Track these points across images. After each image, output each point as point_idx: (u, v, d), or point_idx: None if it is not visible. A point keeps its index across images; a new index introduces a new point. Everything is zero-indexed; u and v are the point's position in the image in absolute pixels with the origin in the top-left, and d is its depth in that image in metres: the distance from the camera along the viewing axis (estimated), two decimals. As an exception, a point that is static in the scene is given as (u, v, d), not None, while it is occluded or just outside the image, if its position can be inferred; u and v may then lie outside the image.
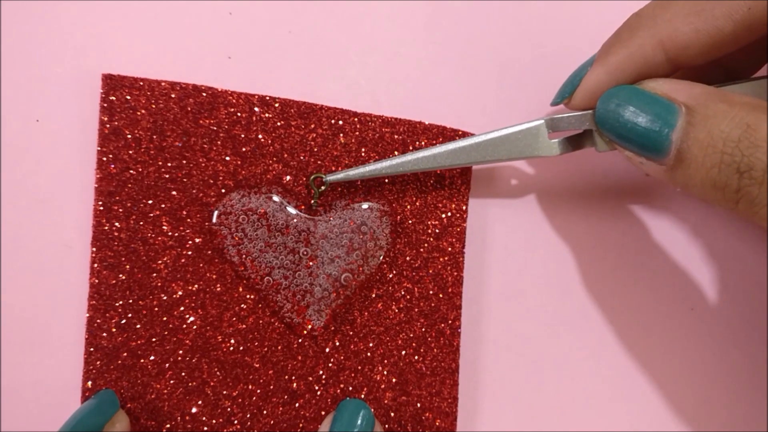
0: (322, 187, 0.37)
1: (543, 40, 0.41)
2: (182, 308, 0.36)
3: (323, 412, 0.37)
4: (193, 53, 0.38)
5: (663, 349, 0.42)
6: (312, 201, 0.37)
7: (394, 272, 0.38)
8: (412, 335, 0.38)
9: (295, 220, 0.36)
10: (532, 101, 0.41)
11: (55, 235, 0.36)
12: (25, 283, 0.36)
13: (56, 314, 0.36)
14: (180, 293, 0.36)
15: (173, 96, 0.36)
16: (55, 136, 0.36)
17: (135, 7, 0.37)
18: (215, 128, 0.36)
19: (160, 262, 0.36)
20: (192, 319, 0.36)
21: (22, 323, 0.36)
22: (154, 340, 0.36)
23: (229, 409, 0.36)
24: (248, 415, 0.37)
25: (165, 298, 0.36)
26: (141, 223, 0.36)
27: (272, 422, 0.37)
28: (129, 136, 0.36)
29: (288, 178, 0.37)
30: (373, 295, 0.38)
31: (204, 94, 0.36)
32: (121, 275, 0.36)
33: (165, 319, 0.36)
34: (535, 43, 0.41)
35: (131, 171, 0.36)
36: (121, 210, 0.36)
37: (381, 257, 0.37)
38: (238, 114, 0.37)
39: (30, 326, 0.36)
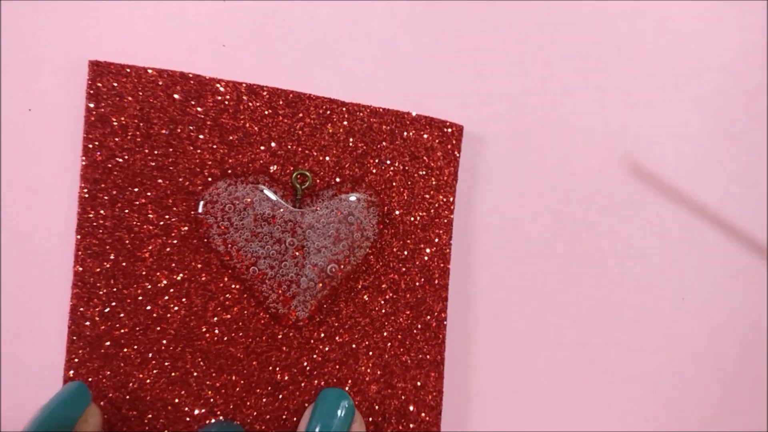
0: (306, 183, 0.37)
1: (535, 32, 0.41)
2: (167, 297, 0.36)
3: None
4: (188, 42, 0.38)
5: (654, 339, 0.43)
6: (297, 196, 0.37)
7: (381, 263, 0.38)
8: (397, 327, 0.38)
9: (281, 210, 0.36)
10: (523, 91, 0.41)
11: (44, 223, 0.36)
12: (11, 271, 0.36)
13: (41, 302, 0.36)
14: (165, 282, 0.36)
15: (160, 83, 0.36)
16: (46, 125, 0.36)
17: None
18: (202, 116, 0.36)
19: (145, 250, 0.36)
20: (176, 308, 0.36)
21: (6, 311, 0.36)
22: (137, 329, 0.36)
23: (212, 400, 0.36)
24: (231, 406, 0.36)
25: (149, 287, 0.36)
26: (126, 211, 0.36)
27: (255, 413, 0.37)
28: (115, 124, 0.35)
29: (275, 167, 0.37)
30: (359, 287, 0.38)
31: (191, 82, 0.36)
32: (105, 263, 0.35)
33: (149, 308, 0.36)
34: (528, 36, 0.41)
35: (117, 158, 0.36)
36: (106, 198, 0.35)
37: (367, 248, 0.37)
38: (226, 102, 0.36)
39: (15, 314, 0.36)
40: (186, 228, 0.36)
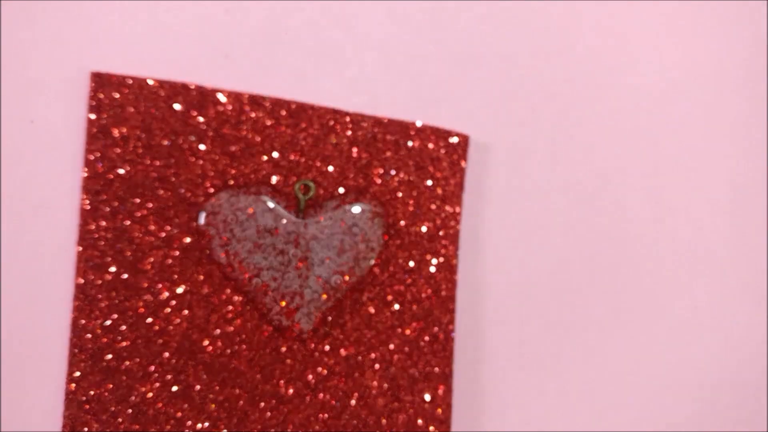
0: (309, 194, 0.36)
1: (541, 38, 0.41)
2: (168, 310, 0.36)
3: (312, 418, 0.36)
4: (190, 52, 0.37)
5: (664, 348, 0.42)
6: (300, 207, 0.36)
7: (386, 275, 0.37)
8: (404, 339, 0.37)
9: (284, 221, 0.36)
10: (529, 98, 0.40)
11: (45, 235, 0.36)
12: (12, 283, 0.36)
13: (43, 315, 0.36)
14: (166, 294, 0.36)
15: (162, 94, 0.36)
16: (47, 136, 0.36)
17: (130, 6, 0.37)
18: (204, 127, 0.36)
19: (146, 262, 0.35)
20: (178, 321, 0.36)
21: (7, 324, 0.35)
22: (139, 342, 0.35)
23: (215, 414, 0.36)
24: (235, 420, 0.36)
25: (151, 299, 0.35)
26: (128, 222, 0.35)
27: (259, 427, 0.36)
28: (116, 135, 0.35)
29: (278, 178, 0.36)
30: (365, 298, 0.37)
31: (193, 93, 0.36)
32: (106, 275, 0.35)
33: (150, 320, 0.35)
34: (535, 42, 0.40)
35: (118, 170, 0.35)
36: (107, 209, 0.35)
37: (372, 259, 0.37)
38: (228, 112, 0.36)
39: (16, 327, 0.36)
40: (188, 239, 0.36)
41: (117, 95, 0.35)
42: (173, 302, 0.36)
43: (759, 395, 0.43)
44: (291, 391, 0.36)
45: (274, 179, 0.36)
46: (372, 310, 0.37)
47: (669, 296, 0.42)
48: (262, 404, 0.36)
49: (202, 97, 0.36)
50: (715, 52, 0.43)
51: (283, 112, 0.37)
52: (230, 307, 0.36)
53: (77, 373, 0.35)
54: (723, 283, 0.43)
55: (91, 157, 0.35)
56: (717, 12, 0.43)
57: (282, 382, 0.36)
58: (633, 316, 0.41)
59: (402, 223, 0.38)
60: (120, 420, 0.35)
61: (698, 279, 0.43)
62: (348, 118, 0.37)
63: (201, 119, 0.36)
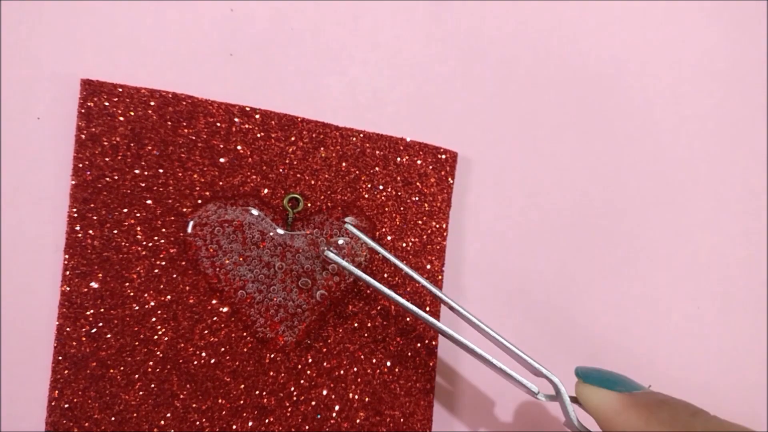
0: (298, 207, 0.36)
1: (527, 57, 0.41)
2: (154, 319, 0.36)
3: (293, 429, 0.37)
4: (195, 50, 0.37)
5: (668, 347, 0.42)
6: (288, 220, 0.36)
7: (371, 289, 0.37)
8: (387, 354, 0.38)
9: (271, 234, 0.36)
10: (514, 115, 0.40)
11: (32, 242, 0.36)
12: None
13: (28, 322, 0.36)
14: (152, 303, 0.36)
15: (152, 104, 0.36)
16: (36, 143, 0.36)
17: (136, 5, 0.37)
18: (194, 138, 0.36)
19: (133, 271, 0.36)
20: (163, 330, 0.36)
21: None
22: (124, 350, 0.35)
23: (197, 423, 0.36)
24: (217, 430, 0.36)
25: (137, 308, 0.36)
26: (115, 231, 0.35)
27: (241, 438, 0.36)
28: (106, 143, 0.35)
29: (266, 191, 0.37)
30: (349, 312, 0.37)
31: (184, 103, 0.36)
32: (93, 283, 0.35)
33: (136, 329, 0.36)
34: (521, 60, 0.41)
35: (107, 178, 0.35)
36: (95, 217, 0.35)
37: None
38: (218, 124, 0.36)
39: (1, 334, 0.36)
40: (174, 250, 0.36)
41: (107, 104, 0.35)
42: (159, 312, 0.36)
43: (759, 395, 0.43)
44: (273, 402, 0.37)
45: (262, 192, 0.37)
46: (356, 324, 0.37)
47: (679, 295, 0.42)
48: (245, 414, 0.36)
49: (193, 108, 0.36)
50: (709, 53, 0.43)
51: (273, 125, 0.37)
52: (215, 318, 0.36)
53: (61, 380, 0.35)
54: (734, 287, 0.43)
55: (80, 165, 0.35)
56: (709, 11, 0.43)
57: (264, 393, 0.37)
58: (622, 327, 0.42)
59: (388, 237, 0.38)
60: (103, 428, 0.35)
61: (706, 279, 0.43)
62: (338, 133, 0.37)
63: (191, 130, 0.36)
